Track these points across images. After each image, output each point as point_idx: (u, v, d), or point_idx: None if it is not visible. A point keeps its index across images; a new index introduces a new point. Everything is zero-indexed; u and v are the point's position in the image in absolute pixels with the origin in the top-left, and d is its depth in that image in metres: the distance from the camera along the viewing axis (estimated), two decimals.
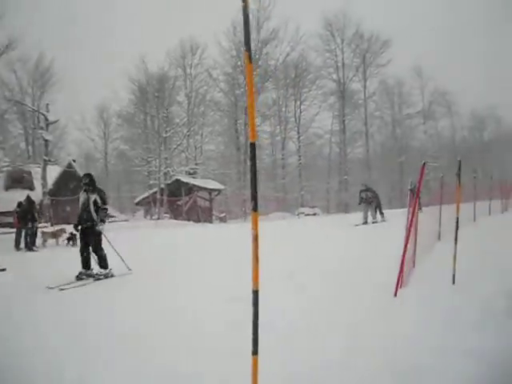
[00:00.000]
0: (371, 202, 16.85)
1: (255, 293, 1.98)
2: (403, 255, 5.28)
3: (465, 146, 52.58)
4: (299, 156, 44.10)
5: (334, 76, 46.05)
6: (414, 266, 6.99)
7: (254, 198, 1.91)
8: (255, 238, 1.90)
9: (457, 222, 5.36)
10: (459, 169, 5.13)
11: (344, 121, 45.21)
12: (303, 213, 37.34)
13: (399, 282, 5.42)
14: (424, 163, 4.80)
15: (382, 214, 17.19)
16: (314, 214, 36.38)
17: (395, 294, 5.33)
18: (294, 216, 36.73)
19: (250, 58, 1.80)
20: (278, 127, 44.19)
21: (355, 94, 46.86)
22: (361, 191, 17.24)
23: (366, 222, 16.47)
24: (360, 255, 8.59)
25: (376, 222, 16.54)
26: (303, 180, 43.61)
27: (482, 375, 2.96)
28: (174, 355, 3.64)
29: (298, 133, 44.21)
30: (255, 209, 1.92)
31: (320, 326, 4.23)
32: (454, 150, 50.18)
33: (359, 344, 3.70)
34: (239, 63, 40.80)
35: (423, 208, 9.58)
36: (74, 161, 36.71)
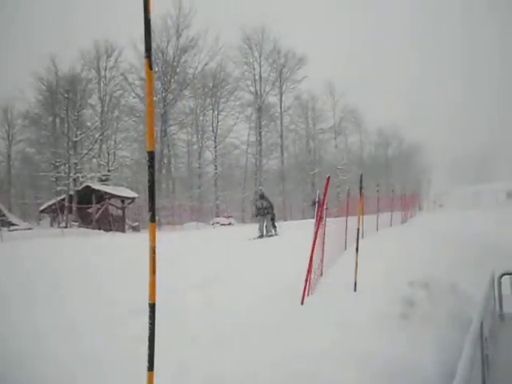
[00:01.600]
0: (267, 212, 15.48)
1: (152, 306, 1.91)
2: (309, 264, 5.46)
3: (371, 161, 56.63)
4: (215, 165, 44.18)
5: (252, 88, 47.00)
6: (321, 274, 7.26)
7: (152, 208, 1.85)
8: (152, 250, 1.84)
9: (358, 233, 5.65)
10: (361, 182, 5.43)
11: (260, 132, 46.19)
12: (218, 222, 37.29)
13: (305, 291, 5.59)
14: (328, 177, 5.02)
15: (274, 226, 15.83)
16: (229, 224, 36.49)
17: (302, 303, 5.48)
18: (209, 226, 36.59)
19: (150, 65, 1.75)
20: (195, 136, 43.94)
21: (272, 107, 48.17)
22: (256, 200, 16.05)
23: (262, 236, 15.17)
24: (265, 266, 8.71)
25: (271, 236, 15.24)
26: (219, 189, 43.71)
27: (377, 378, 3.13)
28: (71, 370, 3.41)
29: (215, 142, 44.32)
30: (153, 220, 1.87)
31: (227, 338, 4.22)
32: (361, 164, 53.68)
33: (266, 354, 3.75)
34: (156, 69, 40.08)
35: (329, 219, 10.00)
36: None
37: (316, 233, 5.51)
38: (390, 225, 17.05)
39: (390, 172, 58.31)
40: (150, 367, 1.98)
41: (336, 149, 51.99)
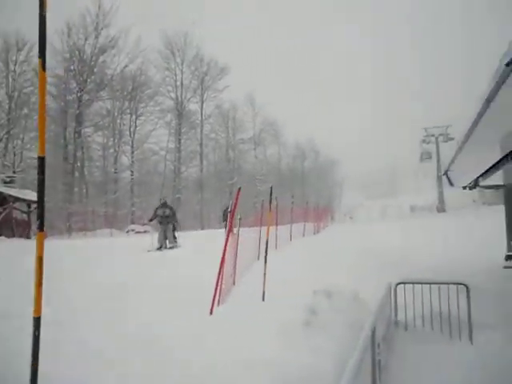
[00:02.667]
0: (169, 221, 14.19)
1: (36, 320, 1.80)
2: (218, 275, 5.48)
3: (289, 173, 58.45)
4: (132, 171, 42.82)
5: (173, 94, 46.41)
6: (234, 283, 7.32)
7: (41, 216, 1.75)
8: (39, 260, 1.74)
9: (266, 244, 5.78)
10: (271, 194, 5.58)
11: (180, 139, 45.65)
12: (133, 230, 36.12)
13: (215, 301, 5.59)
14: (239, 188, 5.09)
15: (175, 237, 14.63)
16: (145, 232, 35.44)
17: (211, 312, 5.48)
18: (124, 233, 35.34)
19: (43, 65, 1.67)
20: (112, 139, 42.31)
21: (192, 114, 47.88)
22: (157, 208, 14.45)
23: (161, 247, 13.92)
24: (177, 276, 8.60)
25: (173, 248, 14.06)
26: (135, 196, 42.39)
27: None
28: None
29: (132, 147, 42.98)
30: (41, 228, 1.77)
31: (130, 352, 4.09)
32: (279, 175, 55.19)
33: (169, 364, 3.69)
34: (72, 67, 38.20)
35: (245, 228, 10.12)
36: None
37: (226, 243, 5.55)
38: (303, 235, 17.62)
39: (306, 184, 60.64)
40: (33, 380, 1.85)
41: (255, 159, 52.89)
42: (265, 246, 6.55)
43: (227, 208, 21.04)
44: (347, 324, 4.70)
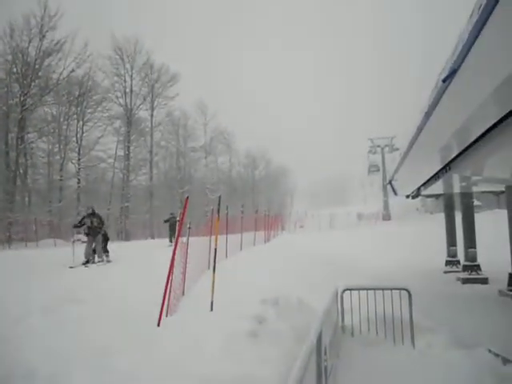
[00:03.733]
0: (98, 232, 12.69)
1: None
2: (166, 285, 5.39)
3: (240, 181, 58.71)
4: (79, 179, 41.36)
5: (122, 101, 45.36)
6: (183, 294, 7.22)
7: None
8: None
9: (215, 253, 5.76)
10: (219, 204, 5.57)
11: (129, 147, 44.65)
12: (80, 240, 34.83)
13: (162, 312, 5.49)
14: (187, 197, 5.06)
15: (107, 251, 13.21)
16: None
17: (158, 324, 5.37)
18: (69, 243, 34.02)
19: None
20: (57, 146, 40.72)
21: (142, 121, 47.01)
22: (84, 217, 12.98)
23: (88, 262, 12.15)
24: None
25: (102, 262, 12.49)
26: (81, 204, 40.90)
27: None
28: None
29: (79, 154, 41.56)
30: None
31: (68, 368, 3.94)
32: (230, 183, 55.29)
33: (113, 376, 3.59)
34: (15, 70, 36.53)
35: (195, 238, 10.03)
36: None
37: (174, 252, 5.48)
38: (254, 244, 17.69)
39: (257, 192, 61.08)
40: None
41: (206, 168, 52.70)
42: (219, 254, 6.54)
43: (171, 217, 21.15)
44: (295, 331, 4.75)
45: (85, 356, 4.18)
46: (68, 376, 3.76)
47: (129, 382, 3.52)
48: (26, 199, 38.26)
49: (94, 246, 12.81)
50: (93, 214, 13.08)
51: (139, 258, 13.41)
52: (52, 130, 40.18)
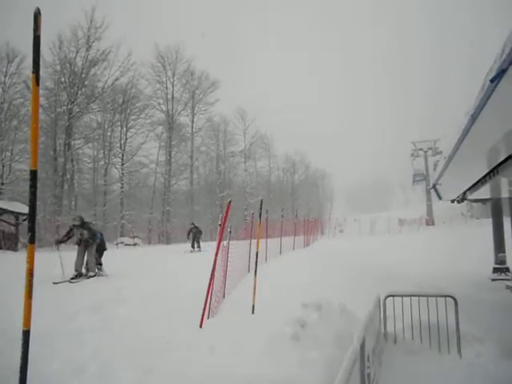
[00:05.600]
0: (89, 244, 10.89)
1: (26, 333, 1.79)
2: (209, 287, 5.47)
3: (279, 185, 58.67)
4: (122, 183, 42.62)
5: (164, 107, 46.49)
6: (224, 296, 7.30)
7: (32, 229, 1.77)
8: (29, 273, 1.75)
9: (256, 257, 5.80)
10: (261, 208, 5.61)
11: (170, 152, 45.62)
12: (123, 243, 35.94)
13: (204, 314, 5.58)
14: (229, 201, 5.12)
15: (100, 263, 11.39)
16: (135, 245, 35.31)
17: (201, 326, 5.46)
18: (113, 245, 35.12)
19: (37, 80, 1.70)
20: (102, 152, 42.17)
21: (183, 127, 47.96)
22: (71, 229, 10.97)
23: (78, 276, 10.32)
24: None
25: (93, 276, 10.65)
26: (125, 208, 42.14)
27: None
28: None
29: (123, 159, 42.85)
30: (32, 241, 1.78)
31: (120, 364, 4.07)
32: (269, 187, 55.36)
33: (158, 376, 3.68)
34: (63, 79, 38.16)
35: (236, 242, 10.12)
36: None
37: (216, 256, 5.56)
38: (293, 248, 17.65)
39: (296, 197, 60.83)
40: None
41: (245, 172, 53.03)
42: (254, 259, 6.58)
43: (192, 227, 21.90)
44: (336, 337, 4.71)
45: (130, 355, 4.30)
46: (114, 374, 3.88)
47: (172, 382, 3.59)
48: (73, 203, 39.76)
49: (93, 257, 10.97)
50: (81, 226, 10.94)
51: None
52: (97, 137, 41.68)
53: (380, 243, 26.37)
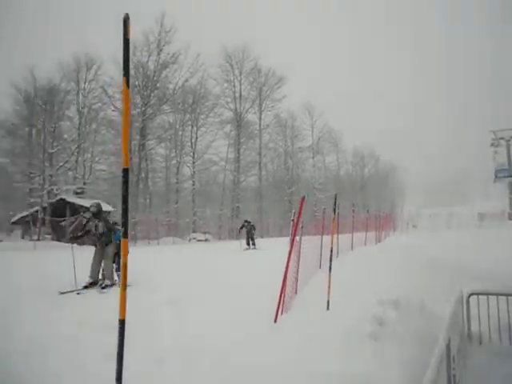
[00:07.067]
0: (106, 242, 8.95)
1: (121, 322, 1.91)
2: (283, 283, 5.49)
3: (348, 180, 57.56)
4: (193, 181, 44.01)
5: (232, 106, 47.34)
6: (296, 292, 7.29)
7: (125, 224, 1.87)
8: (124, 266, 1.85)
9: (331, 253, 5.72)
10: (335, 203, 5.53)
11: (239, 149, 46.38)
12: (195, 238, 37.17)
13: (279, 309, 5.60)
14: (303, 196, 5.09)
15: (119, 269, 8.94)
16: (206, 240, 36.36)
17: (275, 320, 5.50)
18: (186, 241, 36.42)
19: (127, 82, 1.80)
20: (174, 151, 43.79)
21: (251, 124, 48.54)
22: (88, 220, 9.09)
23: (93, 284, 8.52)
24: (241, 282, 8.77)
25: (109, 286, 8.57)
26: (196, 205, 43.48)
27: None
28: None
29: (194, 158, 44.23)
30: (126, 235, 1.88)
31: (195, 353, 4.20)
32: (338, 182, 54.48)
33: (235, 370, 3.74)
34: (137, 83, 40.01)
35: (305, 237, 10.05)
36: None
37: (290, 251, 5.56)
38: (365, 244, 17.24)
39: (366, 191, 59.36)
40: (118, 378, 1.95)
41: (314, 167, 52.63)
42: (327, 255, 6.50)
43: (244, 223, 21.90)
44: (417, 335, 4.53)
45: (207, 350, 4.41)
46: (195, 367, 4.01)
47: (253, 376, 3.64)
48: (147, 201, 41.64)
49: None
50: (97, 216, 9.06)
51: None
52: (169, 137, 43.35)
53: (458, 239, 25.00)
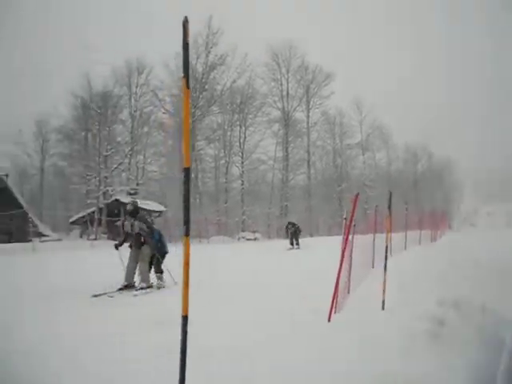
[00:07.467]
0: (145, 242, 8.74)
1: (184, 318, 1.96)
2: (336, 282, 5.43)
3: (400, 177, 55.91)
4: (242, 181, 44.42)
5: (279, 104, 47.33)
6: (348, 292, 7.20)
7: (187, 222, 1.92)
8: (186, 263, 1.90)
9: (386, 251, 5.60)
10: (390, 200, 5.40)
11: (287, 148, 46.32)
12: (244, 237, 37.52)
13: (333, 308, 5.55)
14: (357, 194, 5.01)
15: (160, 271, 8.96)
16: (255, 239, 36.60)
17: (329, 320, 5.45)
18: (235, 240, 36.82)
19: (187, 83, 1.84)
20: (223, 151, 44.41)
21: (299, 122, 48.31)
22: (124, 219, 9.03)
23: (128, 286, 8.40)
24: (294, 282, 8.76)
25: (144, 289, 8.36)
26: (245, 205, 43.85)
27: None
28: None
29: (242, 158, 44.64)
30: (187, 234, 1.93)
31: (251, 351, 4.23)
32: (389, 179, 53.08)
33: (290, 369, 3.74)
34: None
35: (355, 236, 9.90)
36: (7, 176, 34.90)
37: (343, 250, 5.50)
38: (419, 243, 16.76)
39: (419, 188, 57.43)
40: (182, 379, 2.01)
41: (363, 164, 51.64)
42: (379, 254, 6.38)
43: (289, 224, 22.05)
44: (480, 338, 4.34)
45: (260, 348, 4.43)
46: (252, 363, 4.04)
47: (316, 377, 3.62)
48: (197, 200, 42.49)
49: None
50: (133, 215, 8.74)
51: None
52: (218, 137, 44.02)
53: None
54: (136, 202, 9.13)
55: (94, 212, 35.75)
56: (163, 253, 8.85)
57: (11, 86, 48.18)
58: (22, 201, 34.63)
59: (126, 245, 8.85)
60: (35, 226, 33.59)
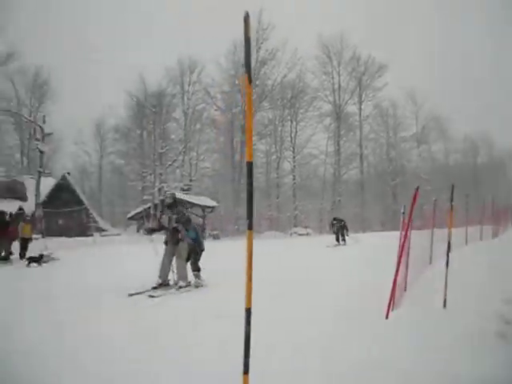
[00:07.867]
0: (177, 239, 8.23)
1: (248, 311, 1.99)
2: (395, 278, 5.31)
3: (458, 170, 53.22)
4: (294, 176, 44.26)
5: (330, 98, 46.64)
6: (405, 289, 7.01)
7: (250, 216, 1.94)
8: (249, 256, 1.92)
9: (448, 247, 5.40)
10: (452, 194, 5.19)
11: (339, 142, 45.61)
12: (296, 232, 37.44)
13: (391, 305, 5.43)
14: (417, 188, 4.85)
15: (198, 268, 8.56)
16: (307, 234, 36.43)
17: (387, 317, 5.33)
18: (287, 235, 36.81)
19: (250, 79, 1.86)
20: (274, 146, 44.43)
21: (350, 116, 47.39)
22: (162, 211, 9.36)
23: (163, 284, 7.90)
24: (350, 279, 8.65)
25: (184, 287, 7.90)
26: (297, 200, 43.69)
27: None
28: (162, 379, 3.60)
29: (294, 152, 44.46)
30: (250, 227, 1.95)
31: (306, 348, 4.22)
32: (447, 172, 50.74)
33: (350, 368, 3.70)
34: (237, 82, 41.26)
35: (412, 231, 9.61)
36: (69, 174, 36.95)
37: (402, 246, 5.35)
38: (480, 239, 16.00)
39: (480, 181, 54.57)
40: (246, 370, 2.05)
41: (419, 157, 49.78)
42: (437, 249, 6.14)
43: (334, 219, 21.46)
44: None
45: (313, 345, 4.41)
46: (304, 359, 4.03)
47: (363, 371, 3.57)
48: None
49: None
50: (172, 207, 8.29)
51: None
52: (269, 132, 44.10)
53: None
54: (174, 194, 8.66)
55: (149, 208, 36.96)
56: (199, 250, 8.59)
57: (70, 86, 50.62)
58: (83, 198, 36.55)
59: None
60: (95, 221, 35.32)
